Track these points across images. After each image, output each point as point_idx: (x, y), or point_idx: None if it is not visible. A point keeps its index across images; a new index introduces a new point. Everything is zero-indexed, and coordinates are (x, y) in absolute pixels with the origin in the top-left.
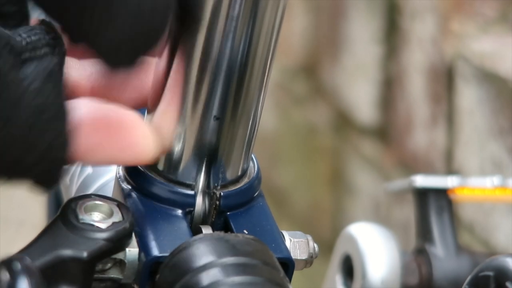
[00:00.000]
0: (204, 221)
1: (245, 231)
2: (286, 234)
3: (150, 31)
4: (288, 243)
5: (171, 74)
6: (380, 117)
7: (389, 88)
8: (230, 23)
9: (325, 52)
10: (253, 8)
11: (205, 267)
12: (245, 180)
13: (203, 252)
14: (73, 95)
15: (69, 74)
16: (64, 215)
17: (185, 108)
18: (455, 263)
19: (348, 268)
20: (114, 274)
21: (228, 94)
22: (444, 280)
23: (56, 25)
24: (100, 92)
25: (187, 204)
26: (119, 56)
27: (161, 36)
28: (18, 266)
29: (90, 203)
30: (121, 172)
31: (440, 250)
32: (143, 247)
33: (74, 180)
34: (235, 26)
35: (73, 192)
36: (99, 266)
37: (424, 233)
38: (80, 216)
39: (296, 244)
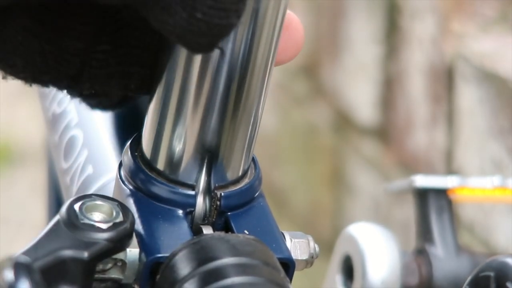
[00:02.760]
0: (205, 221)
1: (245, 231)
2: (286, 234)
3: (224, 20)
4: (288, 243)
5: None
6: (380, 117)
7: (389, 88)
8: None
9: (325, 52)
10: (254, 8)
11: (205, 268)
12: (246, 180)
13: (204, 253)
14: None
15: None
16: (65, 215)
17: (186, 108)
18: (455, 263)
19: (348, 268)
20: (115, 274)
21: (229, 94)
22: (444, 280)
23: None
24: None
25: (188, 205)
26: (200, 46)
27: (237, 20)
28: (19, 266)
29: (91, 203)
30: (122, 172)
31: (440, 250)
32: (144, 247)
33: (74, 180)
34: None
35: (73, 192)
36: (100, 266)
37: (424, 233)
38: (81, 217)
39: (297, 244)
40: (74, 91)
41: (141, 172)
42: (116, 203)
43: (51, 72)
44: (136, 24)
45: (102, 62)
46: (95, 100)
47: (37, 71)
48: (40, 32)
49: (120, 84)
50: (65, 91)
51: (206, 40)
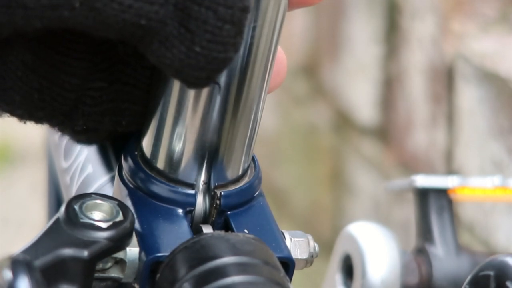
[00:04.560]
0: (205, 221)
1: (245, 230)
2: (286, 234)
3: (222, 54)
4: (288, 242)
5: None
6: (380, 117)
7: (389, 88)
8: None
9: (325, 52)
10: (254, 8)
11: (205, 267)
12: (246, 179)
13: (204, 252)
14: None
15: None
16: (65, 215)
17: (185, 107)
18: (455, 263)
19: (348, 268)
20: (115, 273)
21: (229, 93)
22: (444, 280)
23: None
24: None
25: (188, 204)
26: (198, 80)
27: (234, 54)
28: (19, 265)
29: (91, 202)
30: (122, 172)
31: (440, 250)
32: (144, 246)
33: (74, 179)
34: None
35: (73, 192)
36: (100, 266)
37: (424, 233)
38: (81, 215)
39: (297, 244)
40: (67, 127)
41: (141, 171)
42: (116, 202)
43: (46, 108)
44: (128, 60)
45: (96, 99)
46: (85, 136)
47: (33, 107)
48: (39, 68)
49: (112, 120)
50: (56, 128)
51: (203, 74)
